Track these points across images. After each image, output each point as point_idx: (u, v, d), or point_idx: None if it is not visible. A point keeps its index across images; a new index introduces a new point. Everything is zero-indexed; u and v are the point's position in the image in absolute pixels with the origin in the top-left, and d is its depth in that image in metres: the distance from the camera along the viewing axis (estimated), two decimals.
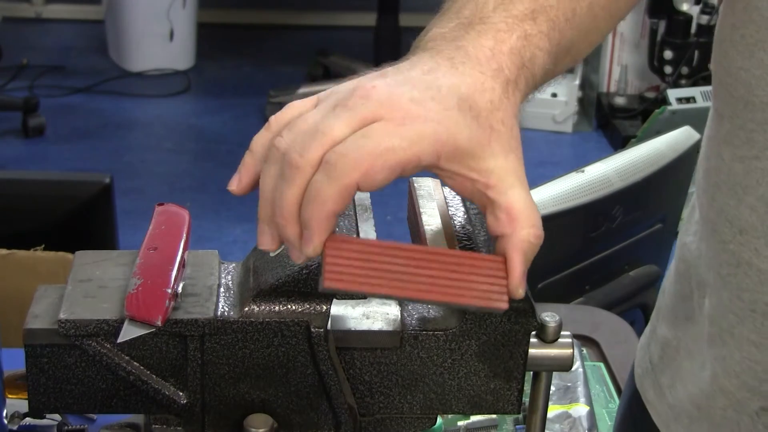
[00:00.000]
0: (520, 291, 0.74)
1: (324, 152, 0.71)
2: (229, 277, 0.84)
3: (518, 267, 0.74)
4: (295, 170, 0.71)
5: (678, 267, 0.99)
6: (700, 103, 3.39)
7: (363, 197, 0.85)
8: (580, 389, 1.22)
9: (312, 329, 0.79)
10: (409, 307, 0.82)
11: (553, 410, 1.18)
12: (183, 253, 0.83)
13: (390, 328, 0.81)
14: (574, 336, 0.86)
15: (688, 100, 3.42)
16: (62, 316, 0.79)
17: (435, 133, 0.71)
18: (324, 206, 0.70)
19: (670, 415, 0.96)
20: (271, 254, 0.81)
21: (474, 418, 1.17)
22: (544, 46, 0.78)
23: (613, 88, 4.15)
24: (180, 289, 0.81)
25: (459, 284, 0.74)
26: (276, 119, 0.75)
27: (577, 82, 4.03)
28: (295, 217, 0.72)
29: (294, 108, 0.75)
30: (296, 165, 0.71)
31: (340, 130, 0.71)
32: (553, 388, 1.16)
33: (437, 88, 0.73)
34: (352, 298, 0.81)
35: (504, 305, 0.74)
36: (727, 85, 0.87)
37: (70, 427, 1.14)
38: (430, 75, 0.74)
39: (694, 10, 3.85)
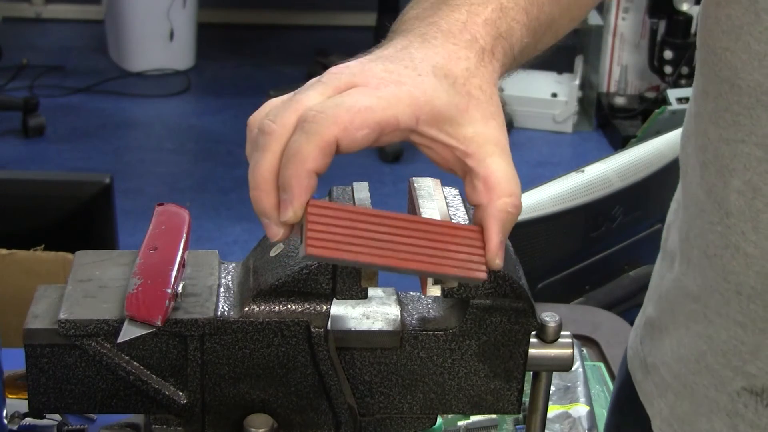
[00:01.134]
0: (497, 261, 0.73)
1: (298, 116, 0.69)
2: (229, 277, 0.84)
3: (495, 237, 0.73)
4: (269, 136, 0.69)
5: (663, 247, 1.00)
6: None
7: (363, 197, 0.85)
8: (580, 389, 1.22)
9: (312, 329, 0.79)
10: (409, 307, 0.82)
11: (553, 410, 1.18)
12: (183, 253, 0.83)
13: (390, 328, 0.81)
14: (574, 336, 0.86)
15: (688, 100, 3.41)
16: (62, 316, 0.79)
17: (411, 96, 0.70)
18: (303, 164, 0.68)
19: (655, 392, 0.96)
20: (271, 254, 0.81)
21: (474, 418, 1.17)
22: (521, 18, 0.78)
23: (613, 88, 4.15)
24: (180, 289, 0.81)
25: (439, 254, 0.72)
26: (252, 118, 0.73)
27: (577, 82, 4.03)
28: (272, 185, 0.69)
29: (268, 104, 0.73)
30: (269, 131, 0.69)
31: (314, 98, 0.70)
32: (553, 388, 1.16)
33: (410, 59, 0.73)
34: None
35: (482, 275, 0.73)
36: (712, 65, 0.85)
37: (70, 427, 1.14)
38: (403, 51, 0.74)
39: (694, 10, 3.84)
